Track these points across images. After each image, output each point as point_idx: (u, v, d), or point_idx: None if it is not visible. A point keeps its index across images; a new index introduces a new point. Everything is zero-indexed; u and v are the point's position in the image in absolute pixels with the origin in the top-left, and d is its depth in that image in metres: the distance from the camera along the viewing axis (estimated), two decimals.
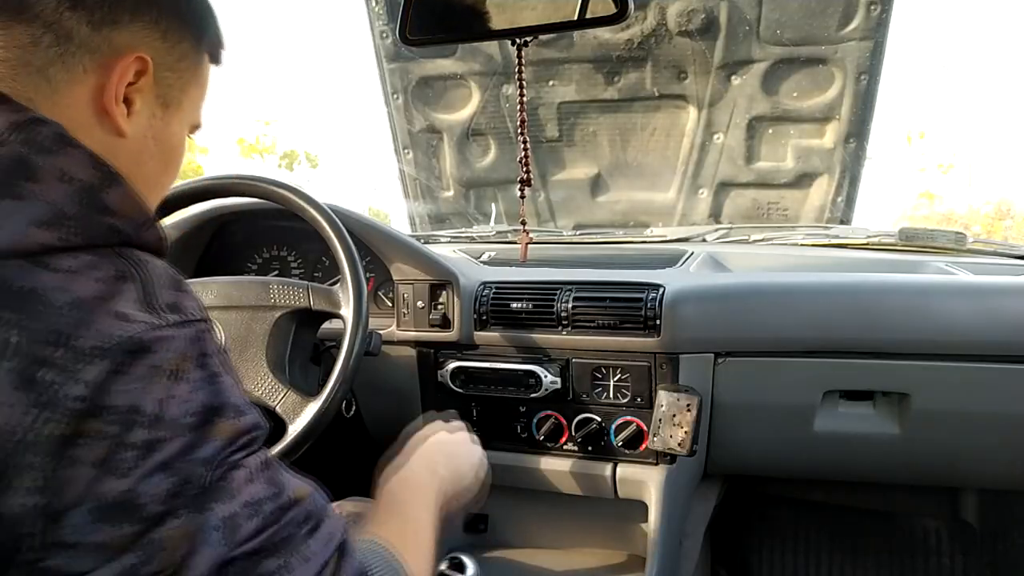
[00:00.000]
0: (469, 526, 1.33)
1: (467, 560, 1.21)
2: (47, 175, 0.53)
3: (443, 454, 0.90)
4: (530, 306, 1.21)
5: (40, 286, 0.49)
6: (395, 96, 2.24)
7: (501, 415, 1.25)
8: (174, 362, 0.51)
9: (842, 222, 2.17)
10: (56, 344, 0.47)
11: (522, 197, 1.17)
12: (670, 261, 1.41)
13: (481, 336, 1.24)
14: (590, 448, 1.21)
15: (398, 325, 1.29)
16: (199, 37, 0.67)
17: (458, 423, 1.00)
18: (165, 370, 0.50)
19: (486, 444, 1.27)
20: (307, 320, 1.16)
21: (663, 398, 1.10)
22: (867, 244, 1.58)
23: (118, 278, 0.52)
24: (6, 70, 0.57)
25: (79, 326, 0.48)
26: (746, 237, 1.66)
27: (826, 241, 1.62)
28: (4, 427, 0.46)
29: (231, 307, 1.13)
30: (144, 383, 0.49)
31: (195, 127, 0.71)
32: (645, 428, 1.16)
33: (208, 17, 0.69)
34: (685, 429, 1.07)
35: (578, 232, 1.95)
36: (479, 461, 0.97)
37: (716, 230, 1.75)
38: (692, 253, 1.45)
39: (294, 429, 1.03)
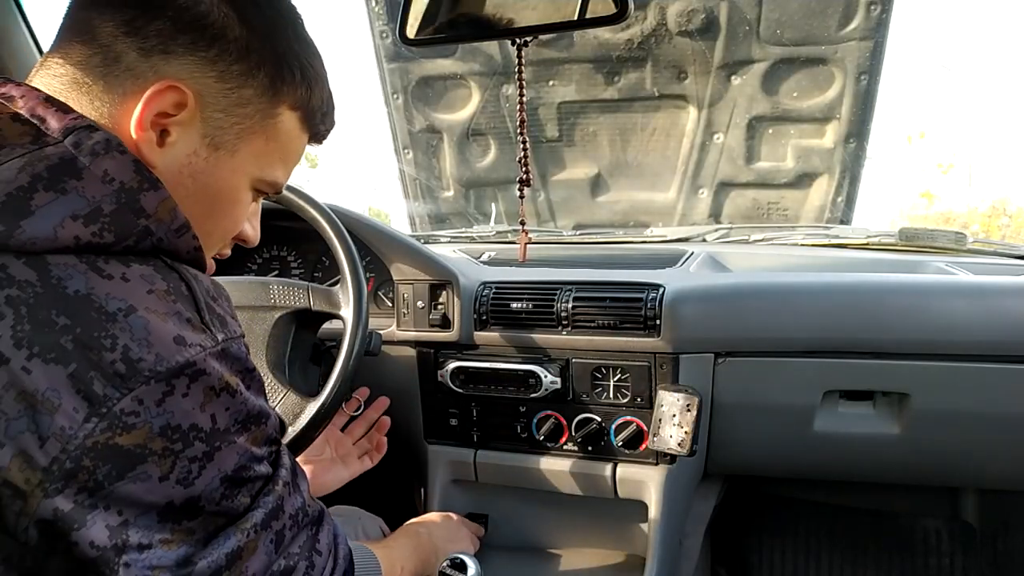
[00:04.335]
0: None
1: (467, 560, 1.21)
2: (90, 175, 0.54)
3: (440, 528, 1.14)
4: (530, 306, 1.21)
5: (95, 292, 0.51)
6: (395, 96, 2.24)
7: (501, 415, 1.25)
8: (224, 380, 0.55)
9: (842, 222, 2.17)
10: (112, 350, 0.49)
11: (521, 197, 1.17)
12: (670, 261, 1.41)
13: (481, 336, 1.24)
14: (590, 448, 1.21)
15: (398, 325, 1.29)
16: (273, 89, 0.64)
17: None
18: (217, 388, 0.54)
19: (486, 444, 1.28)
20: (307, 320, 1.15)
21: (663, 398, 1.10)
22: (867, 244, 1.58)
23: (169, 292, 0.55)
24: (60, 86, 0.59)
25: (136, 341, 0.50)
26: (746, 237, 1.65)
27: (826, 241, 1.62)
28: (66, 430, 0.48)
29: None
30: (201, 402, 0.53)
31: (264, 183, 0.68)
32: (645, 428, 1.16)
33: (297, 76, 0.66)
34: (685, 429, 1.07)
35: (578, 232, 1.94)
36: (468, 533, 1.19)
37: (716, 230, 1.74)
38: (692, 253, 1.45)
39: (293, 430, 1.03)
